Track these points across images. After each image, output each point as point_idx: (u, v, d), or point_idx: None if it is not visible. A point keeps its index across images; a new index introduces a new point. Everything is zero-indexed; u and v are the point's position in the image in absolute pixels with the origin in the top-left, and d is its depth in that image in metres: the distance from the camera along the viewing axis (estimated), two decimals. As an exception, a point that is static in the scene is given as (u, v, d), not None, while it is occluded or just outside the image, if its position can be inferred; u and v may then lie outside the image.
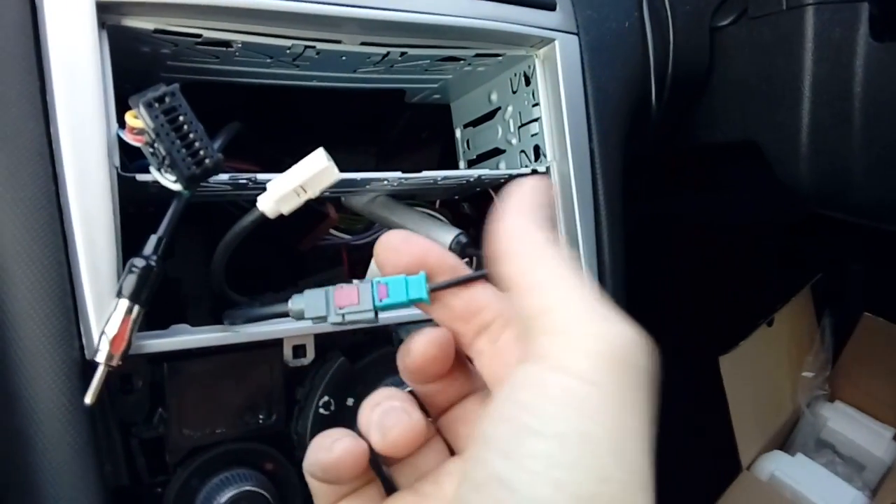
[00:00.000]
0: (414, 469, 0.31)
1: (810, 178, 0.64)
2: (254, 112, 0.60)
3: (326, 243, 0.63)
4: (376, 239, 0.62)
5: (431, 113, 0.70)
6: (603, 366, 0.23)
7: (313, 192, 0.40)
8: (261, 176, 0.44)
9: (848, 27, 0.60)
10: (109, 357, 0.36)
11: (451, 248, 0.53)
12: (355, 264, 0.66)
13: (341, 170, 0.49)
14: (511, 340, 0.29)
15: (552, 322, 0.24)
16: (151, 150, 0.38)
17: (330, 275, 0.69)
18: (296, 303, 0.31)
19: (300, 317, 0.31)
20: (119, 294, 0.37)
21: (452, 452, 0.32)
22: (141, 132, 0.38)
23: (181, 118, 0.37)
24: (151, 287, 0.37)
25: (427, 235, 0.53)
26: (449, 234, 0.53)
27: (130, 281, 0.37)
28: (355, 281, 0.31)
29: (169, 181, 0.39)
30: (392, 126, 0.74)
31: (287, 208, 0.41)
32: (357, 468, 0.29)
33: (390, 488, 0.32)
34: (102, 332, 0.36)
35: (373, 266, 0.47)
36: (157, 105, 0.37)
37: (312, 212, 0.61)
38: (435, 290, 0.29)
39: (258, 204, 0.41)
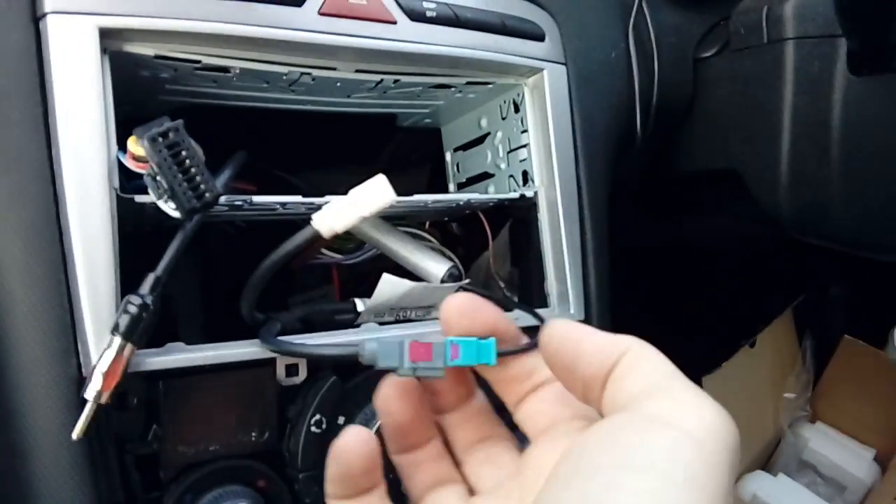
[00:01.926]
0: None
1: (790, 207, 0.65)
2: (248, 133, 0.61)
3: (317, 262, 0.64)
4: (366, 258, 0.64)
5: (421, 136, 0.72)
6: (708, 427, 0.25)
7: (368, 212, 0.42)
8: (256, 198, 0.46)
9: (827, 61, 0.62)
10: (98, 395, 0.37)
11: (442, 281, 0.54)
12: (345, 283, 0.67)
13: (331, 191, 0.50)
14: (553, 399, 0.32)
15: (648, 387, 0.26)
16: (154, 181, 0.39)
17: (320, 293, 0.70)
18: (369, 349, 0.32)
19: (372, 363, 0.32)
20: (114, 331, 0.38)
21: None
22: (142, 160, 0.39)
23: (183, 153, 0.38)
24: (147, 325, 0.38)
25: (420, 265, 0.55)
26: (442, 266, 0.55)
27: (126, 320, 0.38)
28: (430, 338, 0.32)
29: (169, 207, 0.40)
30: (383, 148, 0.75)
31: (341, 227, 0.42)
32: (364, 458, 0.30)
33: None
34: (94, 367, 0.37)
35: (381, 288, 0.49)
36: (160, 140, 0.38)
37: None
38: (501, 355, 0.32)
39: (314, 223, 0.42)
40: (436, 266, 0.55)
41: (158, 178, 0.39)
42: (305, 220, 0.59)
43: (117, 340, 0.38)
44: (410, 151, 0.76)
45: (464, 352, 0.32)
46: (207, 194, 0.39)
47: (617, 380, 0.27)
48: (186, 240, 0.41)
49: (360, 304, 0.50)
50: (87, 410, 0.37)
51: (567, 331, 0.30)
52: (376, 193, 0.41)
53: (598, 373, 0.28)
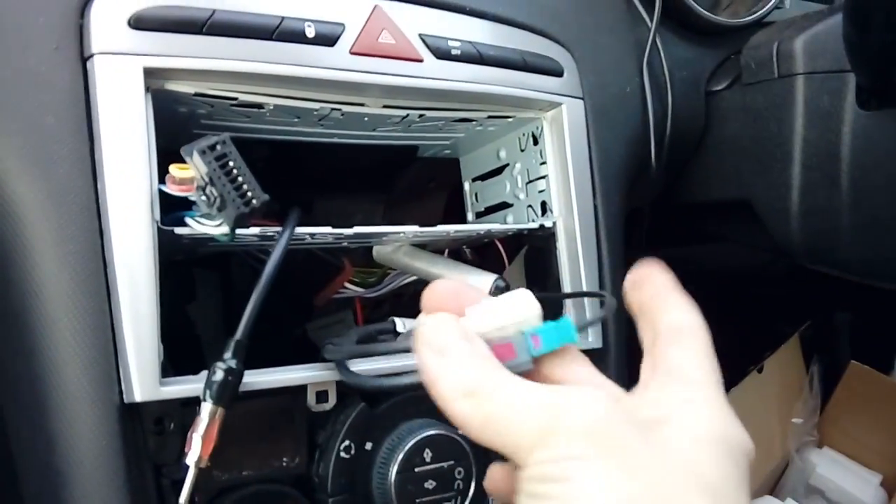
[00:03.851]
0: None
1: (801, 237, 0.67)
2: (266, 162, 0.63)
3: (340, 296, 0.65)
4: (390, 291, 0.66)
5: (438, 164, 0.74)
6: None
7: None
8: (287, 230, 0.47)
9: (836, 95, 0.64)
10: (199, 460, 0.39)
11: (490, 292, 0.56)
12: (362, 309, 0.68)
13: (352, 221, 0.52)
14: None
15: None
16: (203, 194, 0.41)
17: (337, 318, 0.72)
18: None
19: None
20: (204, 398, 0.40)
21: None
22: (185, 182, 0.41)
23: (231, 163, 0.41)
24: (234, 388, 0.41)
25: (465, 280, 0.57)
26: (487, 278, 0.57)
27: (215, 385, 0.40)
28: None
29: (210, 227, 0.41)
30: (401, 176, 0.77)
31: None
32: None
33: None
34: (191, 434, 0.40)
35: None
36: (209, 152, 0.40)
37: (328, 265, 0.64)
38: (581, 329, 0.33)
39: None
40: (482, 280, 0.57)
41: (208, 188, 0.40)
42: (328, 251, 0.61)
43: (209, 406, 0.40)
44: (428, 179, 0.78)
45: (544, 339, 0.32)
46: (255, 201, 0.41)
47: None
48: (260, 301, 0.43)
49: (400, 324, 0.52)
50: (190, 477, 0.39)
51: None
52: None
53: None
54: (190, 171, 0.41)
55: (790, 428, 1.30)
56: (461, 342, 0.31)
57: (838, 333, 1.38)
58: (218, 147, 0.41)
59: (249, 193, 0.41)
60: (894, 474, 1.27)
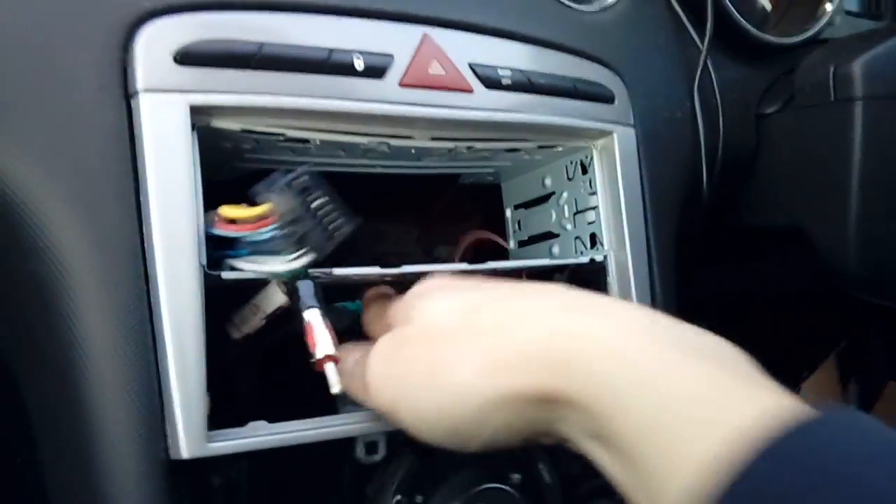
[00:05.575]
0: None
1: (858, 267, 0.64)
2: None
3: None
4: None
5: (476, 189, 0.71)
6: None
7: None
8: (337, 270, 0.45)
9: (897, 123, 0.61)
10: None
11: None
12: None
13: (384, 243, 0.50)
14: None
15: None
16: (282, 232, 0.39)
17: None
18: None
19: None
20: (310, 307, 0.40)
21: None
22: (243, 221, 0.40)
23: (313, 194, 0.39)
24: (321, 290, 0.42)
25: None
26: None
27: (310, 291, 0.41)
28: None
29: (269, 267, 0.40)
30: (437, 200, 0.75)
31: None
32: None
33: None
34: (313, 338, 0.40)
35: None
36: (287, 189, 0.38)
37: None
38: None
39: None
40: None
41: (287, 228, 0.39)
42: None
43: (315, 311, 0.40)
44: (463, 203, 0.76)
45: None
46: (338, 232, 0.41)
47: None
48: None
49: None
50: (334, 368, 0.40)
51: None
52: None
53: None
54: (246, 210, 0.39)
55: (827, 450, 1.27)
56: None
57: (876, 354, 1.34)
58: (294, 183, 0.38)
59: (331, 225, 0.40)
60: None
